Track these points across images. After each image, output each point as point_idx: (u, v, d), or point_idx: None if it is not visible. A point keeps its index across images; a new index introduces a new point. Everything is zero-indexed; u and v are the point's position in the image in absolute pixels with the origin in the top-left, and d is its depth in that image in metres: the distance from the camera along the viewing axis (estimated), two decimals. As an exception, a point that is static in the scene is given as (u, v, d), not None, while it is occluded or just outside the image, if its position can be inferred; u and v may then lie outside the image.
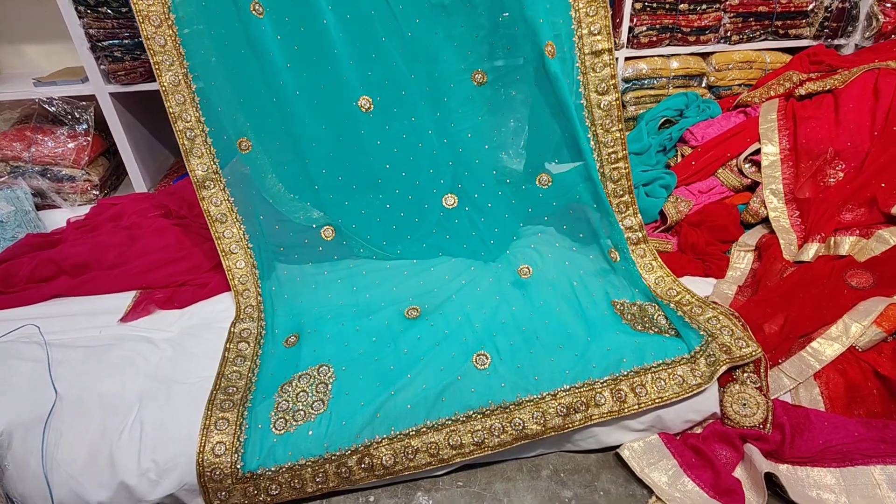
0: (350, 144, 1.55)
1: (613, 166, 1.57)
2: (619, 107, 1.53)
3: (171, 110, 1.50)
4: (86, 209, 1.94)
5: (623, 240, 1.56)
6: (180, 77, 1.49)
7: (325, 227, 1.63)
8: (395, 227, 1.65)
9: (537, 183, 1.63)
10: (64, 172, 2.04)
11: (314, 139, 1.54)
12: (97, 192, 2.11)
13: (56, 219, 1.94)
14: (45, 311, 1.48)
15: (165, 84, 1.49)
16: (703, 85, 2.38)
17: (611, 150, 1.56)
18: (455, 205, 1.62)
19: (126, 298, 1.53)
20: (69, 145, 2.00)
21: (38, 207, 2.00)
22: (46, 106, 1.98)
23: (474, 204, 1.64)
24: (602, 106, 1.53)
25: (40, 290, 1.54)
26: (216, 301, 1.55)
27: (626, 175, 1.57)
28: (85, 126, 2.03)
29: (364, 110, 1.51)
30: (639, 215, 1.59)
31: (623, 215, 1.59)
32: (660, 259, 1.56)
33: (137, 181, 2.19)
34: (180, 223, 1.82)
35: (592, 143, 1.55)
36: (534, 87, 1.52)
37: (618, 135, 1.55)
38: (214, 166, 1.55)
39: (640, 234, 1.58)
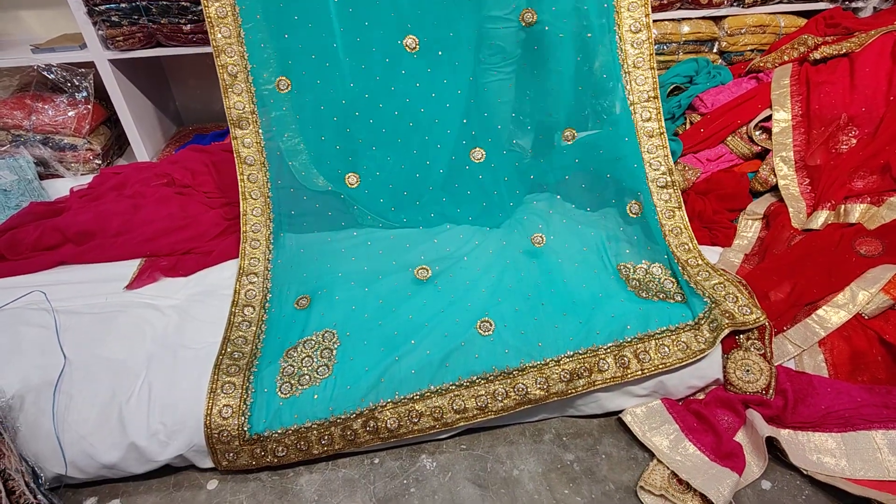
0: (388, 86, 1.52)
1: (645, 105, 1.54)
2: (651, 45, 1.51)
3: (215, 43, 1.49)
4: (88, 178, 1.93)
5: (646, 186, 1.51)
6: (228, 9, 1.47)
7: (349, 175, 1.60)
8: (419, 176, 1.62)
9: (563, 139, 1.60)
10: (65, 141, 2.02)
11: (354, 78, 1.51)
12: (99, 162, 2.11)
13: (59, 188, 1.94)
14: (50, 279, 1.49)
15: (212, 15, 1.47)
16: (715, 50, 2.31)
17: (642, 88, 1.53)
18: (482, 159, 1.59)
19: (131, 266, 1.54)
20: (69, 113, 1.98)
21: (41, 177, 2.00)
22: (45, 73, 1.96)
23: (501, 161, 1.61)
24: (635, 44, 1.51)
25: (46, 258, 1.55)
26: (221, 268, 1.55)
27: (656, 115, 1.54)
28: (85, 94, 2.00)
29: (409, 50, 1.48)
30: (670, 158, 1.55)
31: (653, 156, 1.55)
32: (683, 208, 1.52)
33: (140, 150, 2.18)
34: (183, 192, 1.81)
35: (625, 79, 1.53)
36: (583, 26, 1.48)
37: (649, 74, 1.53)
38: (252, 106, 1.54)
39: (669, 179, 1.53)
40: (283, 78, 1.51)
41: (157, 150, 2.30)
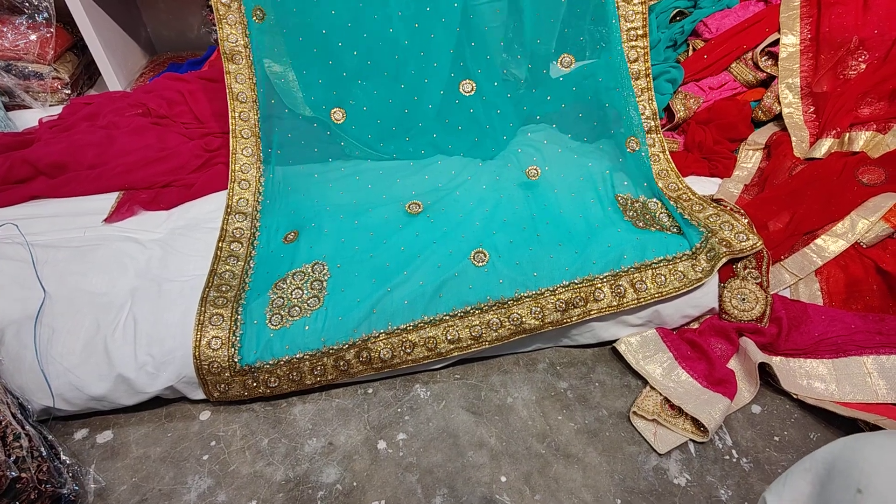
0: (370, 14, 1.43)
1: (632, 44, 1.48)
2: None
3: None
4: (58, 109, 1.82)
5: (641, 126, 1.49)
6: None
7: (334, 110, 1.53)
8: (408, 112, 1.55)
9: (559, 65, 1.53)
10: (30, 68, 1.89)
11: (334, 5, 1.41)
12: (69, 92, 1.98)
13: (27, 119, 1.84)
14: (23, 212, 1.41)
15: None
16: (721, -28, 2.18)
17: (630, 26, 1.46)
18: (472, 92, 1.52)
19: (108, 199, 1.47)
20: (31, 37, 1.84)
21: (8, 108, 1.88)
22: (0, -9, 1.80)
23: (493, 92, 1.54)
24: None
25: (18, 191, 1.47)
26: (204, 202, 1.49)
27: (643, 56, 1.48)
28: (45, 15, 1.85)
29: None
30: (654, 101, 1.52)
31: (639, 99, 1.51)
32: (668, 152, 1.50)
33: (111, 80, 2.04)
34: (160, 123, 1.72)
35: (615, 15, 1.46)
36: None
37: (639, 8, 1.45)
38: (245, 39, 1.48)
39: (653, 123, 1.51)
40: (259, 7, 1.42)
41: (129, 81, 2.16)
